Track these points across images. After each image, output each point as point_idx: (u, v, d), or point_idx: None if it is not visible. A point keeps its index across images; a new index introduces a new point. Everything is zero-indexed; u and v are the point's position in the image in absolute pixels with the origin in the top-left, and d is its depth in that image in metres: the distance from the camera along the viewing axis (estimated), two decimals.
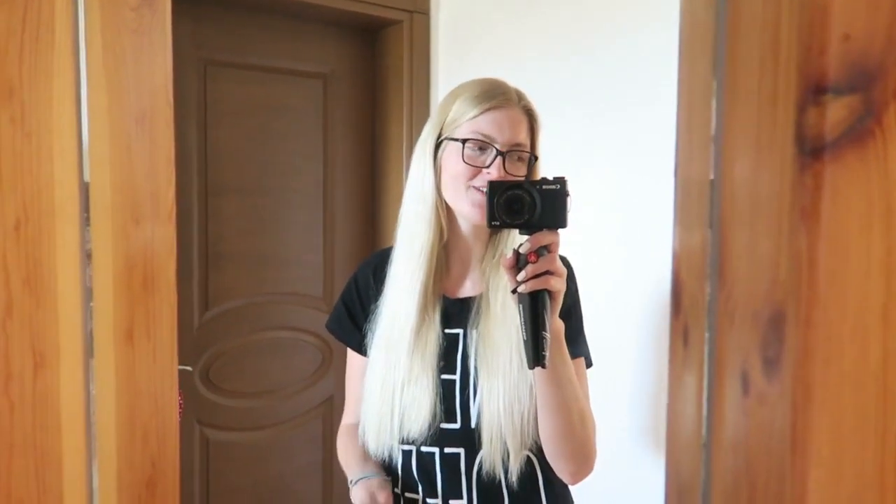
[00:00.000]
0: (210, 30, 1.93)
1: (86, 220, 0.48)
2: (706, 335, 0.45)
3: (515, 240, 1.04)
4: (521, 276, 0.89)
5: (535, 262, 0.88)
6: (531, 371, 0.96)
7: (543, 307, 0.88)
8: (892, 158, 0.31)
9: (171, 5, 0.62)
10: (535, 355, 0.87)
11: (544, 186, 0.91)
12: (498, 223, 0.92)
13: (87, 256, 0.48)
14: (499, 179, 0.97)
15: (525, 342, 0.88)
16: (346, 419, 1.21)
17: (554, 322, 0.92)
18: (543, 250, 0.89)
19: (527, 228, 0.91)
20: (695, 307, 0.48)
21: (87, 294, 0.48)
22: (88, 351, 0.47)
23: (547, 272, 0.88)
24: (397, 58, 2.09)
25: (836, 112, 0.32)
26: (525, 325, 0.88)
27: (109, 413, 0.50)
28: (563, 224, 0.91)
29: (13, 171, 0.41)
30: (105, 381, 0.50)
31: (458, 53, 2.05)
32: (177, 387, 0.65)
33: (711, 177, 0.44)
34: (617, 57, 1.58)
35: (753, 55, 0.38)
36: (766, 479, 0.36)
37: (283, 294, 2.09)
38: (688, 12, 0.51)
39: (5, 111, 0.41)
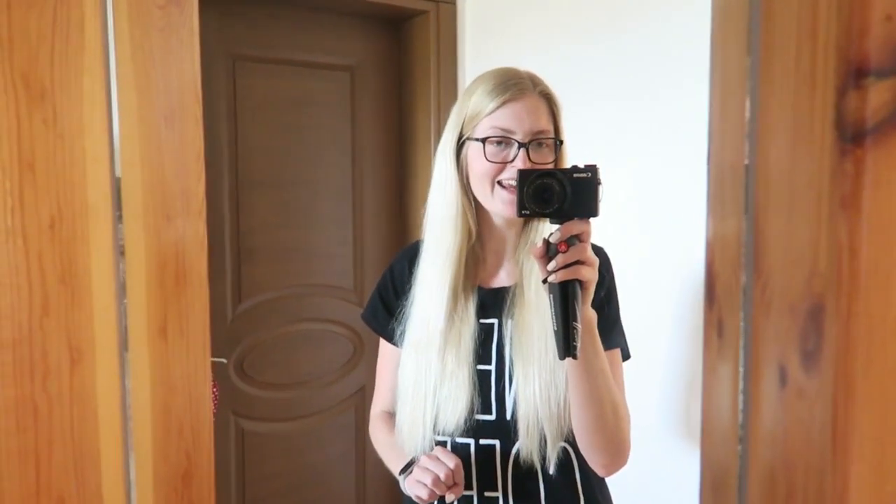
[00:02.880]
0: (237, 25, 1.94)
1: (118, 218, 0.48)
2: (741, 326, 0.43)
3: (549, 227, 1.03)
4: (552, 265, 0.87)
5: (565, 252, 0.87)
6: (564, 361, 0.95)
7: (574, 297, 0.87)
8: None
9: (198, 2, 0.63)
10: (566, 346, 0.86)
11: (575, 175, 0.89)
12: (528, 212, 0.91)
13: (121, 253, 0.49)
14: (528, 168, 0.96)
15: (556, 332, 0.88)
16: (376, 408, 1.21)
17: (586, 312, 0.90)
18: (574, 239, 0.88)
19: (557, 217, 0.90)
20: (729, 298, 0.47)
21: (122, 290, 0.49)
22: (123, 346, 0.48)
23: (577, 262, 0.87)
24: (424, 48, 2.09)
25: (879, 96, 0.30)
26: (556, 315, 0.87)
27: (145, 407, 0.51)
28: (594, 213, 0.90)
29: (47, 172, 0.42)
30: (140, 376, 0.51)
31: (485, 43, 2.04)
32: (210, 380, 0.66)
33: (746, 162, 0.43)
34: (647, 40, 1.55)
35: (790, 36, 0.37)
36: (804, 474, 0.35)
37: (313, 286, 2.11)
38: None
39: (38, 113, 0.42)
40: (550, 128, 1.03)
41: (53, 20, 0.44)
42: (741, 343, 0.44)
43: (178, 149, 0.58)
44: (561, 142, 1.04)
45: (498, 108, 1.00)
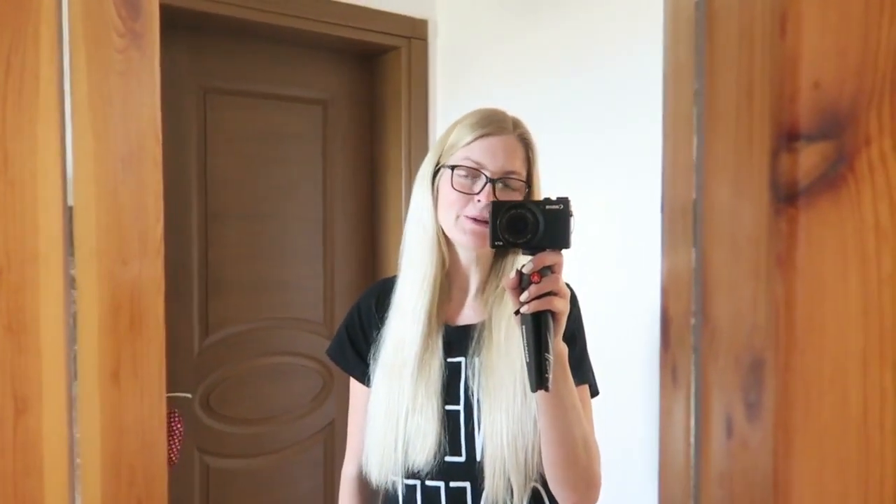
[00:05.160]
0: (209, 57, 1.95)
1: (71, 264, 0.48)
2: (692, 373, 0.44)
3: (516, 265, 1.04)
4: (525, 296, 0.88)
5: (538, 283, 0.87)
6: (534, 397, 0.95)
7: (546, 328, 0.87)
8: (865, 204, 0.31)
9: (164, 37, 0.63)
10: (539, 377, 0.86)
11: (547, 206, 0.90)
12: (501, 243, 0.92)
13: (72, 300, 0.48)
14: (501, 200, 0.97)
15: (528, 364, 0.87)
16: (347, 466, 1.18)
17: (557, 345, 0.90)
18: (547, 271, 0.88)
19: (530, 249, 0.91)
20: (682, 343, 0.48)
21: (72, 336, 0.48)
22: (72, 394, 0.47)
23: (550, 293, 0.87)
24: (396, 84, 2.11)
25: (809, 158, 0.32)
26: (528, 346, 0.87)
27: (94, 455, 0.50)
28: (566, 244, 0.90)
29: None
30: (90, 423, 0.50)
31: (455, 79, 2.07)
32: (164, 424, 0.65)
33: (693, 215, 0.44)
34: (612, 79, 1.59)
35: (730, 98, 0.38)
36: None
37: (283, 319, 2.09)
38: (670, 51, 0.51)
39: None
40: (523, 171, 1.04)
41: (7, 64, 0.44)
42: (692, 390, 0.44)
43: (135, 191, 0.57)
44: (529, 187, 1.05)
45: (474, 140, 1.02)
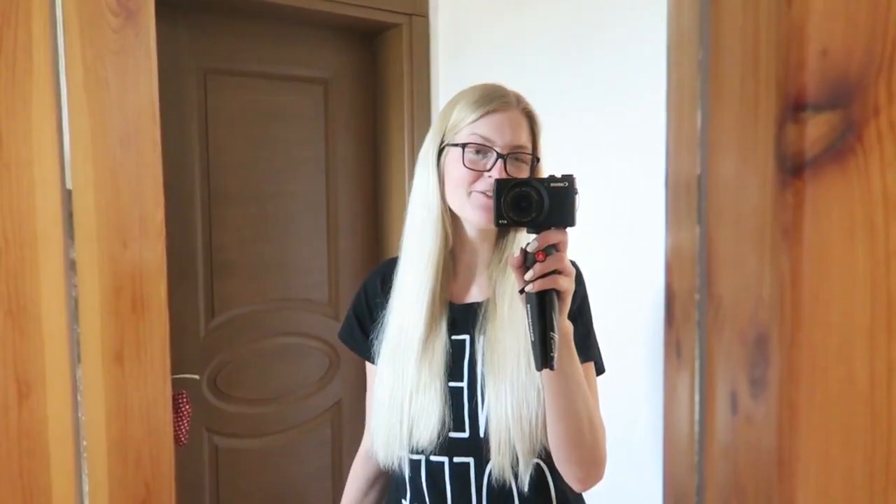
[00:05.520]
0: (208, 38, 1.93)
1: (70, 247, 0.48)
2: (696, 350, 0.44)
3: (523, 242, 1.04)
4: (529, 275, 0.87)
5: (542, 261, 0.87)
6: (539, 374, 0.95)
7: (551, 307, 0.87)
8: (873, 175, 0.30)
9: (163, 18, 0.62)
10: (544, 356, 0.86)
11: (552, 184, 0.89)
12: (505, 221, 0.91)
13: (73, 283, 0.48)
14: (505, 178, 0.96)
15: (532, 343, 0.87)
16: (365, 442, 1.20)
17: (562, 323, 0.90)
18: (552, 249, 0.88)
19: (534, 227, 0.90)
20: (686, 319, 0.47)
21: (74, 319, 0.48)
22: (76, 377, 0.47)
23: (555, 271, 0.87)
24: (397, 61, 2.09)
25: (816, 129, 0.31)
26: (533, 325, 0.87)
27: (100, 438, 0.50)
28: (571, 222, 0.89)
29: None
30: (95, 406, 0.50)
31: (457, 56, 2.05)
32: (170, 407, 0.65)
33: (698, 191, 0.43)
34: (617, 55, 1.57)
35: (735, 68, 0.37)
36: (754, 498, 0.36)
37: (288, 300, 2.09)
38: (674, 20, 0.50)
39: None
40: (529, 145, 1.04)
41: None
42: (697, 366, 0.44)
43: (134, 172, 0.57)
44: (538, 159, 1.04)
45: (481, 117, 1.01)
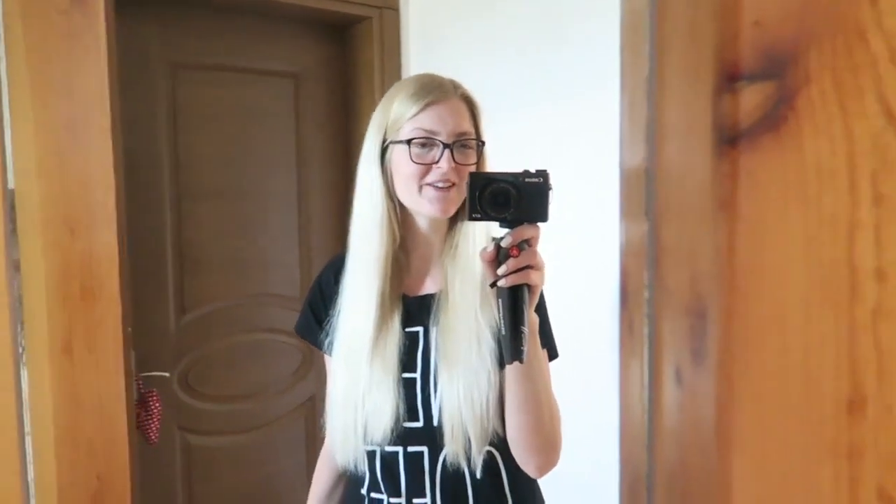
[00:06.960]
0: (177, 32, 1.91)
1: (12, 232, 0.46)
2: (646, 328, 0.44)
3: (474, 231, 1.04)
4: (503, 269, 0.87)
5: (517, 257, 0.87)
6: (498, 365, 0.95)
7: (524, 302, 0.87)
8: (807, 144, 0.30)
9: (104, 7, 0.61)
10: (515, 350, 0.86)
11: (527, 179, 0.89)
12: (479, 216, 0.90)
13: (16, 269, 0.47)
14: (477, 172, 0.95)
15: (503, 337, 0.87)
16: (328, 440, 1.19)
17: (530, 316, 0.91)
18: (525, 244, 0.88)
19: (508, 223, 0.90)
20: (637, 298, 0.47)
21: (17, 308, 0.47)
22: (19, 366, 0.46)
23: (528, 266, 0.87)
24: (368, 54, 2.08)
25: (751, 99, 0.31)
26: (504, 320, 0.87)
27: (46, 428, 0.49)
28: (544, 218, 0.89)
29: None
30: (40, 396, 0.49)
31: (428, 49, 2.04)
32: (123, 398, 0.64)
33: (646, 165, 0.43)
34: (586, 51, 1.58)
35: (678, 42, 0.37)
36: (698, 471, 0.36)
37: (260, 296, 2.08)
38: (625, 1, 0.50)
39: None
40: (472, 130, 1.04)
41: None
42: (646, 344, 0.44)
43: (82, 159, 0.56)
44: (483, 143, 1.04)
45: (421, 110, 1.01)
